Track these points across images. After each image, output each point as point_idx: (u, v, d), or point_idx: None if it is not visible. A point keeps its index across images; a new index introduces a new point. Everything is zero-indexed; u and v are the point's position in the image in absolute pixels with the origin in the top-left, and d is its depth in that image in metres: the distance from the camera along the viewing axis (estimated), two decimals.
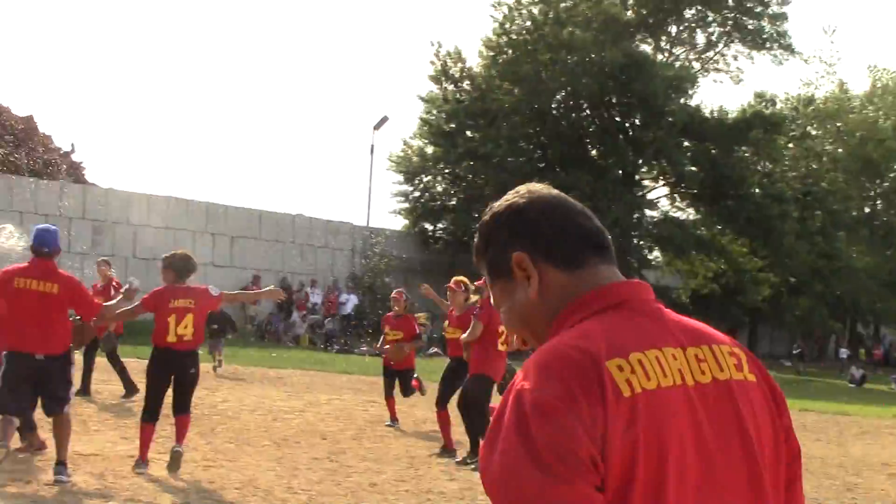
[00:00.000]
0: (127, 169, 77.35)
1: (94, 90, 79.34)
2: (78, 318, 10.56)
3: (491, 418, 2.19)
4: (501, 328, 11.90)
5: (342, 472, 11.40)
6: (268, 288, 12.93)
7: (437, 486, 10.84)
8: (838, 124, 53.13)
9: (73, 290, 10.21)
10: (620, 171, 43.93)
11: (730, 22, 47.02)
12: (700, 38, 48.01)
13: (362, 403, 18.23)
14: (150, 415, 11.02)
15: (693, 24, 47.51)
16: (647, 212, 45.77)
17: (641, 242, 45.15)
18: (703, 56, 48.52)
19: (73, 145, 37.24)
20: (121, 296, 11.13)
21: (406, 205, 43.68)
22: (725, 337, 2.46)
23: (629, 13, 44.98)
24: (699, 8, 46.41)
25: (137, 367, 14.79)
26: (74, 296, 10.18)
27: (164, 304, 11.05)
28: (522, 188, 2.60)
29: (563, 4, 43.27)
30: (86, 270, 31.65)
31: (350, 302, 37.84)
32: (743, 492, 2.28)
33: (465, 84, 43.73)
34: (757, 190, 45.53)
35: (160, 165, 77.67)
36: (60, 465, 10.13)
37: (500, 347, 12.45)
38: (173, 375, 11.10)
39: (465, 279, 13.90)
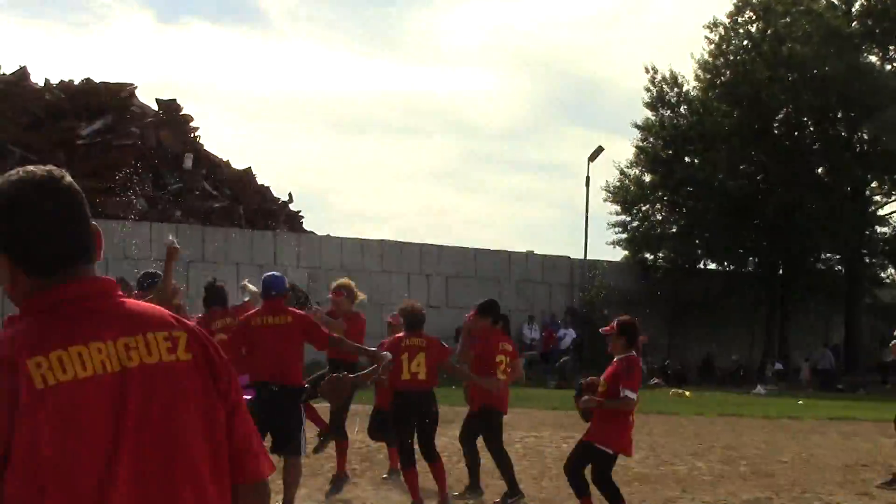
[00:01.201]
0: (344, 215, 79.27)
1: (312, 142, 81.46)
2: (337, 374, 11.15)
3: None
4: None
5: None
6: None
7: None
8: None
9: (306, 321, 11.03)
10: (848, 188, 43.02)
11: None
12: None
13: (549, 440, 18.35)
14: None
15: None
16: (879, 228, 44.51)
17: (874, 260, 44.04)
18: None
19: (290, 195, 38.38)
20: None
21: (624, 235, 43.68)
22: (173, 323, 2.92)
23: (854, 24, 43.94)
24: None
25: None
26: (307, 326, 10.94)
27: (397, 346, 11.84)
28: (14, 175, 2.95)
29: (781, 21, 42.62)
30: None
31: (568, 336, 37.98)
32: (166, 459, 2.79)
33: (682, 109, 43.57)
34: None
35: (375, 209, 79.19)
36: None
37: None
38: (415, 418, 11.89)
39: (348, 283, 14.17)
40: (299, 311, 11.29)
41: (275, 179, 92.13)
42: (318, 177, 77.96)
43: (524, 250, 40.19)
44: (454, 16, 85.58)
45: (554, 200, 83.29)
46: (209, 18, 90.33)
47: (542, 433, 20.09)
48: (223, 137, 78.65)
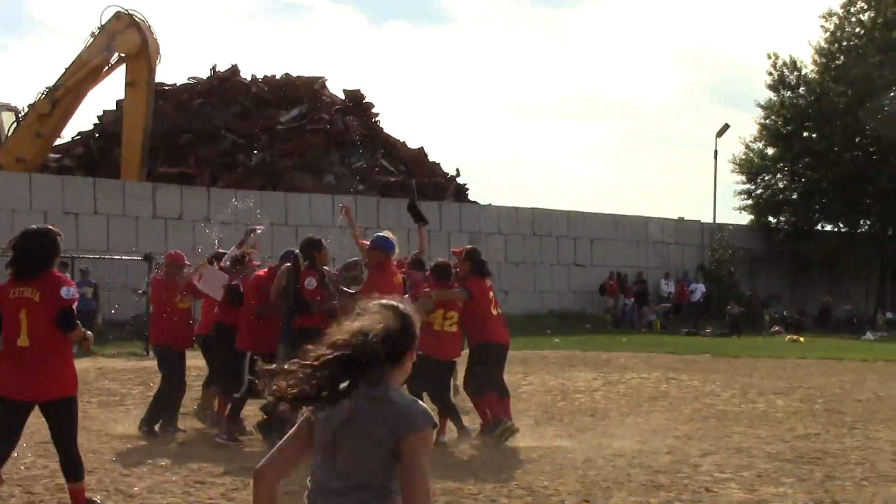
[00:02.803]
0: (521, 188, 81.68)
1: (492, 125, 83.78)
2: None
3: None
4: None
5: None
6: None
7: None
8: None
9: None
10: None
11: None
12: None
13: (655, 381, 19.28)
14: None
15: None
16: None
17: None
18: None
19: (457, 170, 39.94)
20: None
21: (749, 202, 44.34)
22: None
23: None
24: None
25: None
26: None
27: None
28: None
29: (892, 9, 42.54)
30: None
31: (699, 290, 38.88)
32: None
33: (801, 90, 43.88)
34: None
35: (533, 180, 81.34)
36: None
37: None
38: None
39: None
40: None
41: (450, 157, 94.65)
42: (496, 154, 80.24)
43: (669, 216, 41.28)
44: (617, 13, 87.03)
45: (692, 171, 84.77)
46: (411, 21, 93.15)
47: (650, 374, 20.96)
48: (411, 122, 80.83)
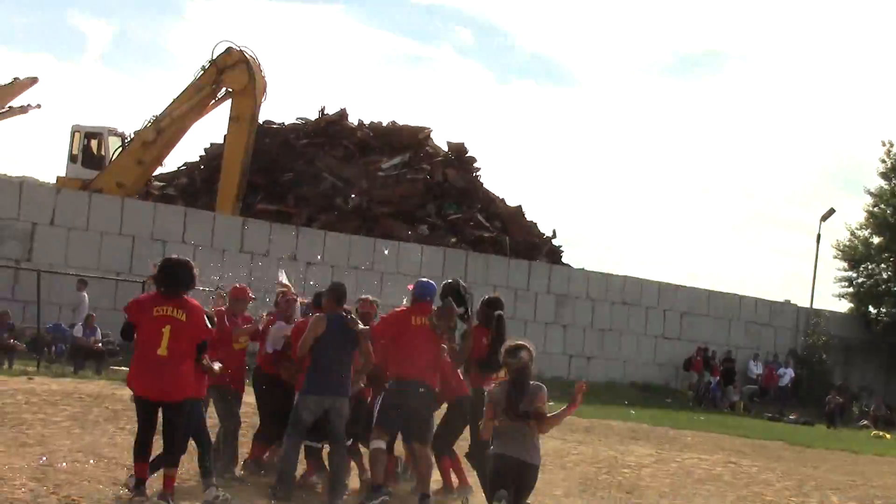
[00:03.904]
0: (601, 252, 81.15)
1: (578, 183, 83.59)
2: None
3: None
4: None
5: None
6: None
7: None
8: None
9: None
10: None
11: None
12: None
13: (712, 462, 18.57)
14: None
15: None
16: None
17: None
18: None
19: (554, 231, 39.53)
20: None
21: (850, 289, 42.91)
22: None
23: None
24: None
25: None
26: None
27: None
28: None
29: None
30: (548, 337, 33.94)
31: (787, 375, 37.73)
32: None
33: None
34: None
35: (628, 249, 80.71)
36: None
37: None
38: None
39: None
40: None
41: (554, 220, 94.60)
42: (602, 220, 79.85)
43: (780, 299, 40.56)
44: (740, 88, 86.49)
45: (795, 254, 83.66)
46: (538, 81, 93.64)
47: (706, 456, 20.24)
48: (518, 180, 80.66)
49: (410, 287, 11.32)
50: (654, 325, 36.68)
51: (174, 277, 9.56)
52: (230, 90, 32.33)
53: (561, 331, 34.57)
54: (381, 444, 10.36)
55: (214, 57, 32.00)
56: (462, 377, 11.40)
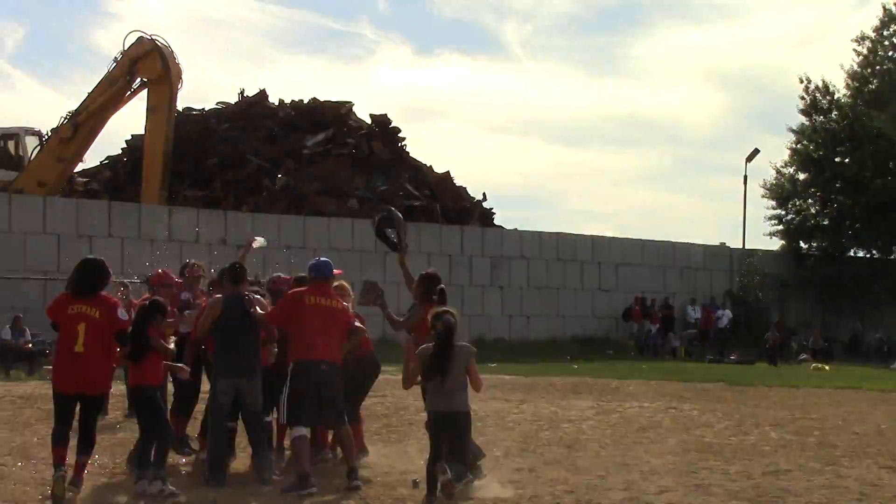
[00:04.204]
0: (566, 214, 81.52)
1: (540, 153, 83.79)
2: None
3: None
4: None
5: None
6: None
7: None
8: None
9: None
10: None
11: None
12: None
13: (654, 410, 18.65)
14: None
15: None
16: None
17: None
18: None
19: (483, 194, 39.53)
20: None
21: (780, 227, 43.35)
22: None
23: None
24: None
25: None
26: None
27: None
28: None
29: None
30: (486, 300, 34.01)
31: (725, 316, 38.12)
32: None
33: (833, 114, 43.01)
34: None
35: (558, 206, 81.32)
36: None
37: None
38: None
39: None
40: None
41: (481, 184, 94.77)
42: (545, 182, 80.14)
43: (713, 243, 41.24)
44: (667, 42, 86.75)
45: (723, 196, 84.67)
46: (458, 51, 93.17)
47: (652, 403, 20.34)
48: (447, 148, 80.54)
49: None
50: (591, 278, 36.85)
51: (84, 277, 9.67)
52: (145, 80, 31.92)
53: (498, 292, 34.64)
54: (303, 431, 10.17)
55: (126, 48, 31.57)
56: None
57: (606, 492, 10.44)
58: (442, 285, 11.46)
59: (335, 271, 10.79)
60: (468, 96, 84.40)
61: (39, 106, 74.58)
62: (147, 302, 10.32)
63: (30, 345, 22.68)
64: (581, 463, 12.41)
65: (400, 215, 12.22)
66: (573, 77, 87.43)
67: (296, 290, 10.81)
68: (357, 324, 10.94)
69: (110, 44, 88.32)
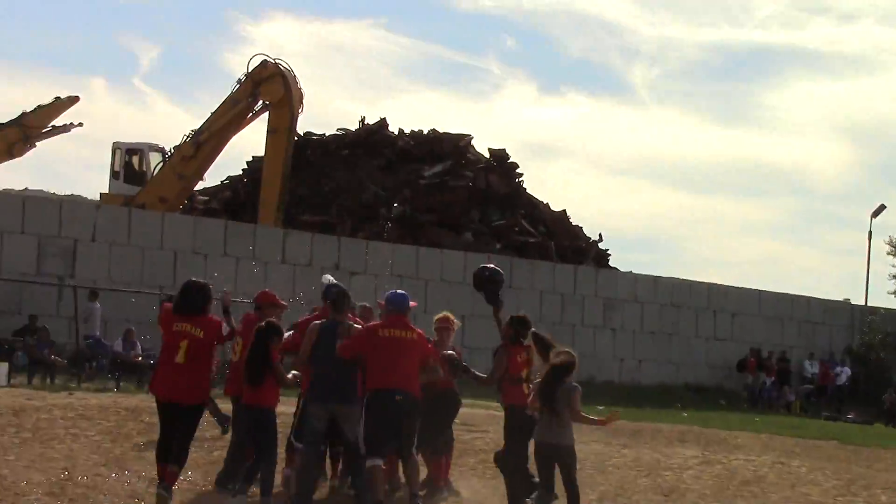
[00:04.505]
0: (647, 256, 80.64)
1: (621, 189, 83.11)
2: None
3: None
4: None
5: None
6: None
7: None
8: None
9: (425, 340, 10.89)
10: None
11: None
12: None
13: (759, 464, 18.08)
14: None
15: None
16: None
17: None
18: None
19: (600, 235, 39.14)
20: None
21: None
22: None
23: None
24: None
25: None
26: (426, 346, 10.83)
27: None
28: None
29: None
30: (597, 341, 33.56)
31: (844, 374, 37.02)
32: None
33: None
34: None
35: (670, 252, 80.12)
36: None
37: None
38: None
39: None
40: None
41: (611, 226, 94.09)
42: (663, 226, 79.45)
43: (834, 297, 39.91)
44: (797, 92, 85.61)
45: (847, 252, 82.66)
46: (583, 90, 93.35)
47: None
48: (565, 186, 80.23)
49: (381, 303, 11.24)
50: (705, 326, 36.13)
51: (189, 299, 10.30)
52: (267, 103, 32.31)
53: (610, 334, 34.13)
54: (378, 462, 10.19)
55: (250, 70, 31.99)
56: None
57: None
58: (533, 329, 11.30)
59: (411, 304, 10.80)
60: (590, 136, 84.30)
61: (169, 124, 76.40)
62: (264, 324, 10.29)
63: (139, 357, 22.90)
64: None
65: (501, 274, 12.20)
66: (698, 123, 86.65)
67: (371, 323, 10.89)
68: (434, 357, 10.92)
69: (240, 66, 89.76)
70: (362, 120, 40.04)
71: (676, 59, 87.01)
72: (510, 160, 39.23)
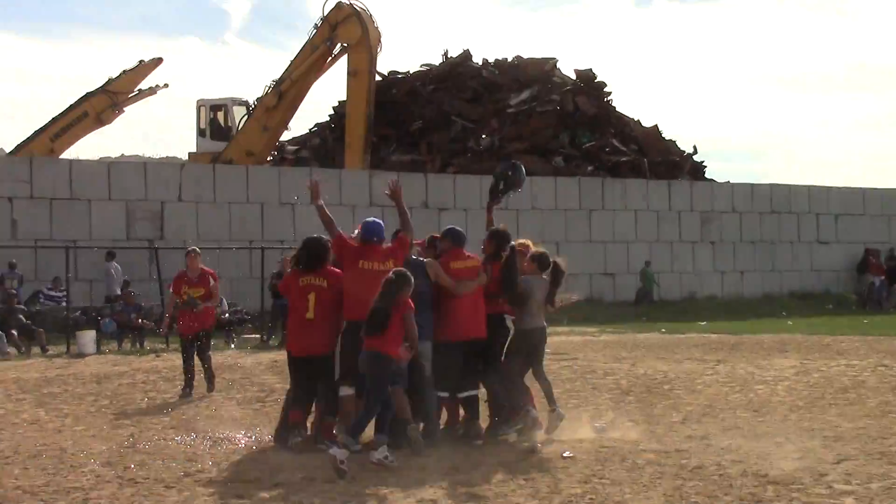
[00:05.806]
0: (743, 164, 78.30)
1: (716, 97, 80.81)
2: None
3: None
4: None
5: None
6: None
7: None
8: None
9: None
10: None
11: None
12: None
13: (860, 368, 17.21)
14: None
15: None
16: None
17: None
18: None
19: (694, 147, 38.15)
20: None
21: None
22: None
23: None
24: None
25: None
26: None
27: None
28: None
29: None
30: (697, 256, 32.76)
31: None
32: None
33: None
34: None
35: (770, 158, 77.75)
36: None
37: None
38: None
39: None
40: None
41: (697, 136, 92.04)
42: (762, 132, 77.39)
43: None
44: None
45: None
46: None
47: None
48: (657, 101, 78.59)
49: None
50: (808, 231, 35.03)
51: (310, 254, 10.59)
52: (345, 45, 31.92)
53: (709, 248, 33.29)
54: (350, 391, 10.17)
55: (325, 13, 31.62)
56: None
57: (779, 461, 9.46)
58: (513, 243, 11.04)
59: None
60: (682, 47, 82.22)
61: (263, 78, 76.66)
62: (393, 275, 9.70)
63: (226, 315, 22.68)
64: (762, 428, 11.39)
65: (524, 174, 12.40)
66: (797, 22, 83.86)
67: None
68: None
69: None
70: (445, 53, 39.51)
71: None
72: (597, 80, 38.29)
